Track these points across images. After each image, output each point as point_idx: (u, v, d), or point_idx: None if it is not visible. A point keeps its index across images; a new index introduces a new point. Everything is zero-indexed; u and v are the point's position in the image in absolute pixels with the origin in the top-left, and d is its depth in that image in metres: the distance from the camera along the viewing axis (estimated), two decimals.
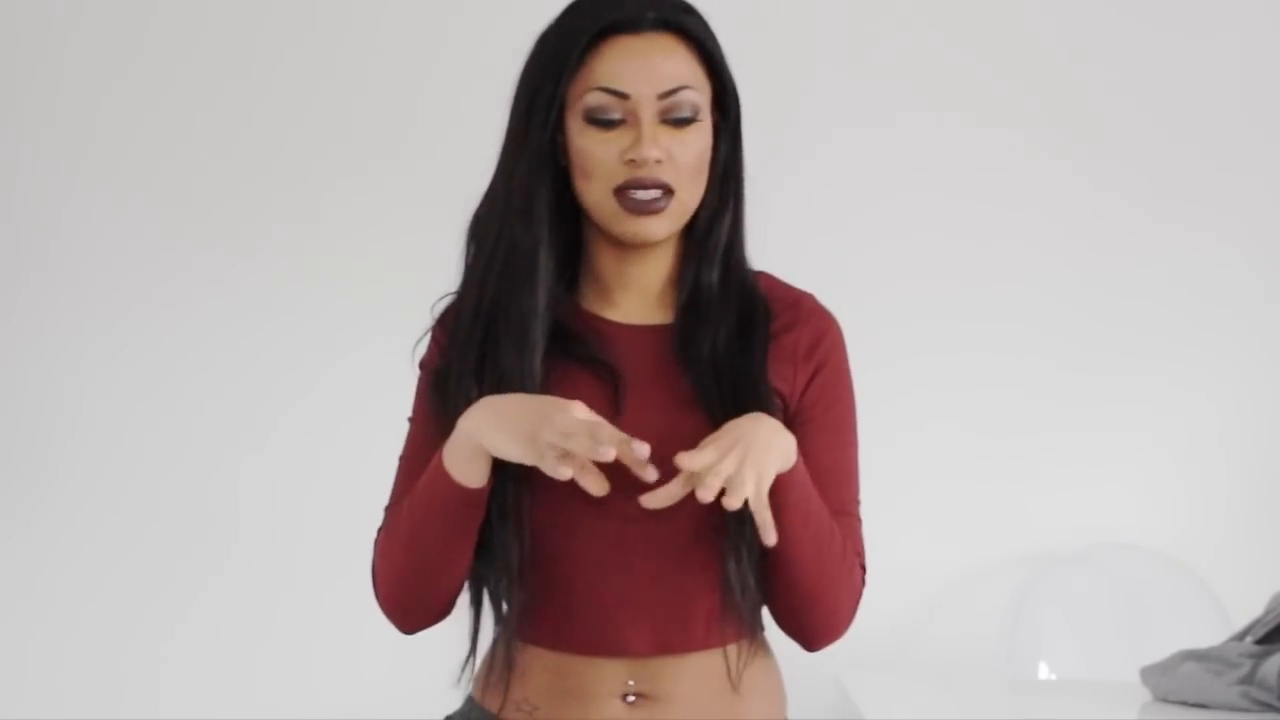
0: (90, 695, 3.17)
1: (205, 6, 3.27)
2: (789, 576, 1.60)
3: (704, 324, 1.63)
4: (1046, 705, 2.69)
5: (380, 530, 1.67)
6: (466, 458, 1.55)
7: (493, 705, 1.65)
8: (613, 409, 1.59)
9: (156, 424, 3.23)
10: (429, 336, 1.70)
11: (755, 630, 1.66)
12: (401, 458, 1.69)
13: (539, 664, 1.63)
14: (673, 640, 1.61)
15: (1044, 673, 3.04)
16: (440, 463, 1.56)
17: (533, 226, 1.61)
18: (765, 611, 1.66)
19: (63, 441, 3.25)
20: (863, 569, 1.67)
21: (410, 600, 1.64)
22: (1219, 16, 3.29)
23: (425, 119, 3.25)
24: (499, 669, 1.65)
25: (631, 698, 1.62)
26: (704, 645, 1.62)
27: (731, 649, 1.64)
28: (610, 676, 1.62)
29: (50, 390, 3.25)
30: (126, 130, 3.26)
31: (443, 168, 3.18)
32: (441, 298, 1.70)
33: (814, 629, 1.64)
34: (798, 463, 1.56)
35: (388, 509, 1.68)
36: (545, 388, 1.59)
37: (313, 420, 3.23)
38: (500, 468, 1.57)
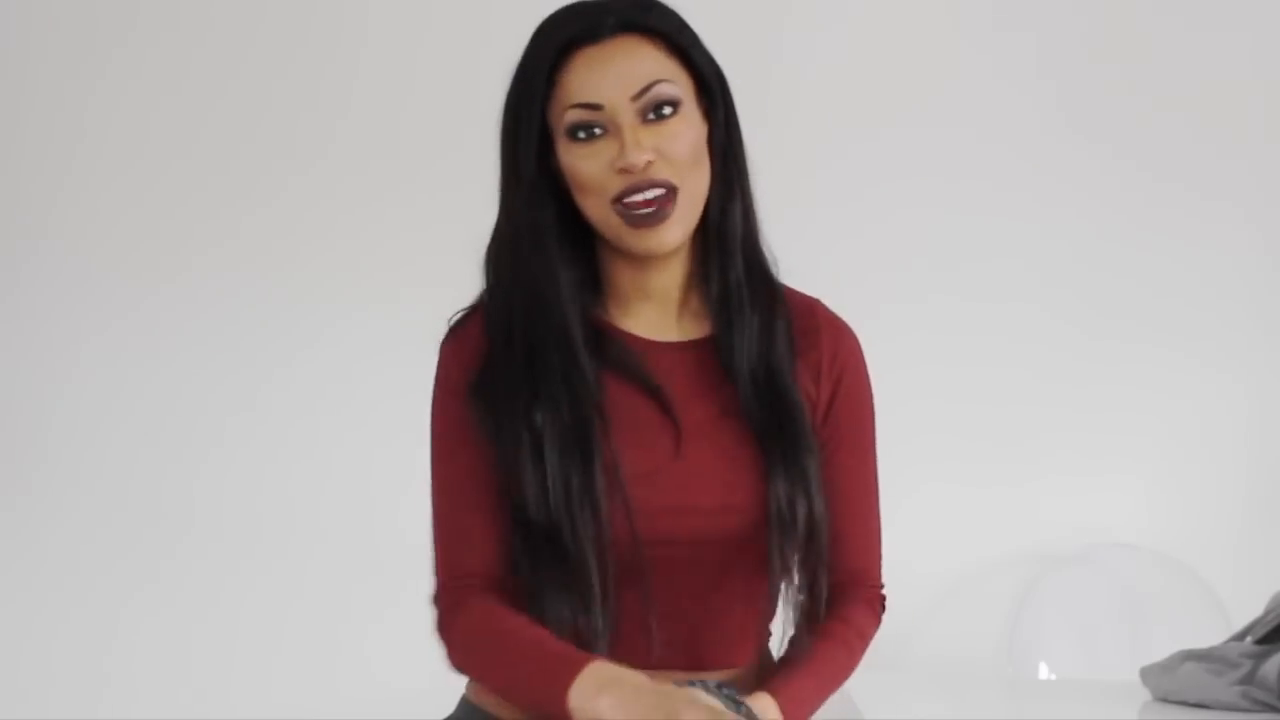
0: (82, 693, 3.16)
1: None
2: None
3: (741, 332, 1.62)
4: (1046, 705, 2.68)
5: (454, 625, 1.59)
6: None
7: (489, 704, 1.64)
8: (673, 447, 1.58)
9: (150, 420, 3.24)
10: (441, 355, 1.65)
11: (763, 654, 1.67)
12: (440, 491, 1.62)
13: None
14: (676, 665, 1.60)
15: (1044, 673, 3.04)
16: (562, 697, 1.46)
17: (547, 256, 1.59)
18: (770, 623, 1.68)
19: (58, 438, 3.25)
20: (879, 616, 1.71)
21: None
22: (1229, 10, 3.28)
23: (424, 117, 3.25)
24: None
25: None
26: (713, 669, 1.62)
27: (736, 671, 1.64)
28: None
29: (44, 387, 3.25)
30: (114, 125, 3.26)
31: (440, 169, 3.19)
32: (456, 313, 1.66)
33: None
34: None
35: (444, 580, 1.60)
36: (602, 405, 1.57)
37: (308, 417, 3.23)
38: (522, 487, 1.54)
